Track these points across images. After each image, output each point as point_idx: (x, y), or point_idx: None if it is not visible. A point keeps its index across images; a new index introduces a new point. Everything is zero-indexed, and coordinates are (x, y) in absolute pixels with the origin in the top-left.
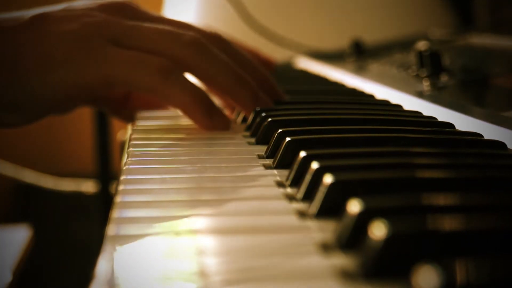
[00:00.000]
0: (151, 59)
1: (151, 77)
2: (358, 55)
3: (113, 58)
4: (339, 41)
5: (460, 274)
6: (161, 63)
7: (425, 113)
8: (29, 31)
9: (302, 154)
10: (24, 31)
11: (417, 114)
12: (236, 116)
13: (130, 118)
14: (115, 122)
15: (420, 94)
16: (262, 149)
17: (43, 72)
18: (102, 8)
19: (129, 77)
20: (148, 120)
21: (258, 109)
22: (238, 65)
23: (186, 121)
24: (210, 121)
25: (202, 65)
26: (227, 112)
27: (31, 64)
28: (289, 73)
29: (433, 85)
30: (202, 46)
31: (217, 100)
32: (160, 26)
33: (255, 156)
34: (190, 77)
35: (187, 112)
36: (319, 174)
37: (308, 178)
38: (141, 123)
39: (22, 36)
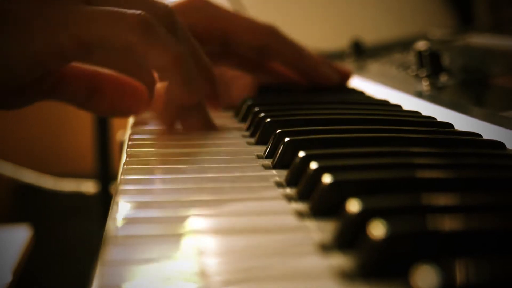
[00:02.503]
0: (129, 13)
1: (128, 32)
2: (358, 55)
3: (86, 15)
4: (339, 41)
5: (459, 274)
6: (139, 17)
7: (424, 113)
8: None
9: (301, 154)
10: None
11: (416, 114)
12: (235, 116)
13: (103, 110)
14: (115, 122)
15: (419, 94)
16: (261, 149)
17: (4, 33)
18: None
19: (104, 33)
20: (147, 120)
21: (257, 109)
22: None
23: None
24: (189, 88)
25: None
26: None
27: None
28: None
29: (433, 85)
30: (173, 21)
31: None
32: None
33: (254, 157)
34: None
35: (165, 76)
36: (318, 174)
37: (307, 178)
38: (140, 123)
39: None
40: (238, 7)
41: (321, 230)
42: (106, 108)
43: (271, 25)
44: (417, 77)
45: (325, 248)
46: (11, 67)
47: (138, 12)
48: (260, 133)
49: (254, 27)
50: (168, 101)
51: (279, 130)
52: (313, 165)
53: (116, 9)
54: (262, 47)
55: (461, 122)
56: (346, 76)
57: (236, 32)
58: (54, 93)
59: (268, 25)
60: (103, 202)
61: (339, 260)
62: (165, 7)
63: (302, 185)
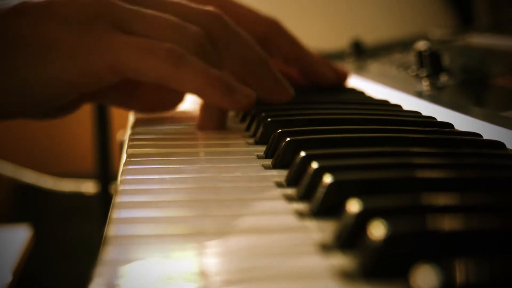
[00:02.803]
0: (160, 46)
1: (161, 64)
2: (358, 55)
3: (121, 45)
4: (339, 41)
5: (459, 274)
6: (170, 49)
7: (424, 113)
8: (29, 12)
9: (302, 154)
10: (22, 12)
11: (416, 114)
12: (235, 116)
13: (143, 107)
14: (115, 122)
15: (419, 94)
16: (261, 149)
17: (45, 58)
18: None
19: (138, 65)
20: (147, 120)
21: (257, 109)
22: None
23: (185, 121)
24: (233, 98)
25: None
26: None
27: (31, 49)
28: None
29: (433, 85)
30: (202, 45)
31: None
32: (164, 16)
33: (254, 157)
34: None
35: (205, 96)
36: (318, 174)
37: (307, 178)
38: (140, 124)
39: (20, 18)
40: None
41: (322, 230)
42: (146, 105)
43: (274, 18)
44: (417, 77)
45: (326, 248)
46: (50, 90)
47: (168, 45)
48: (260, 133)
49: (257, 17)
50: (211, 111)
51: (279, 130)
52: (314, 165)
53: (148, 41)
54: (262, 39)
55: (461, 122)
56: (343, 77)
57: (238, 22)
58: (96, 98)
59: (271, 18)
60: (103, 202)
61: (340, 260)
62: (196, 32)
63: (302, 185)
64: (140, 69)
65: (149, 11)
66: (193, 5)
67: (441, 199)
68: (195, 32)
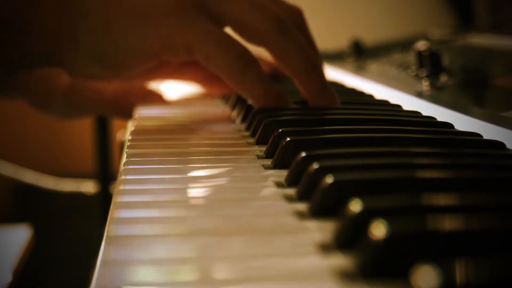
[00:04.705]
0: (236, 46)
1: (228, 63)
2: (358, 55)
3: (202, 30)
4: (339, 41)
5: (459, 274)
6: (243, 52)
7: (424, 113)
8: None
9: (302, 154)
10: None
11: (416, 114)
12: (235, 116)
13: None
14: (115, 122)
15: (419, 94)
16: (261, 149)
17: (135, 27)
18: None
19: (209, 56)
20: (147, 120)
21: (257, 109)
22: (310, 48)
23: (185, 122)
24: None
25: (279, 43)
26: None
27: (123, 17)
28: None
29: (433, 85)
30: (284, 24)
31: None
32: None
33: (254, 157)
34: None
35: (256, 100)
36: (318, 174)
37: (307, 178)
38: (140, 123)
39: None
40: None
41: (322, 230)
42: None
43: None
44: (417, 77)
45: (326, 248)
46: (135, 56)
47: (243, 48)
48: (260, 133)
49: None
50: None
51: (279, 130)
52: (314, 165)
53: (228, 37)
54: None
55: (461, 122)
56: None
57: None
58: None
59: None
60: (103, 202)
61: (340, 260)
62: (297, 9)
63: (302, 185)
64: (211, 59)
65: None
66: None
67: (441, 199)
68: (273, 12)
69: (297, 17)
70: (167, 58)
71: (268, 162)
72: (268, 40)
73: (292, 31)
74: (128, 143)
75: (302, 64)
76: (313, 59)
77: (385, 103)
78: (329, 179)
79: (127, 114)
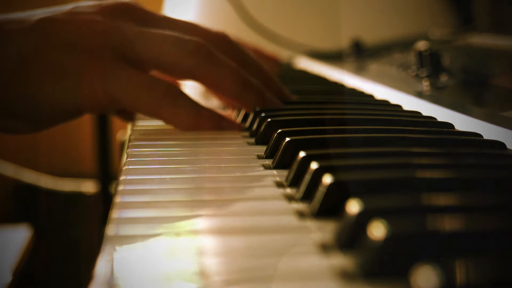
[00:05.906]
0: (160, 84)
1: (157, 102)
2: (358, 55)
3: (122, 78)
4: (339, 41)
5: (459, 274)
6: (168, 87)
7: (424, 113)
8: (36, 36)
9: (302, 154)
10: (30, 36)
11: (416, 114)
12: (236, 116)
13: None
14: (115, 122)
15: (419, 94)
16: (261, 149)
17: (54, 83)
18: (107, 11)
19: (135, 101)
20: (148, 120)
21: (257, 109)
22: (244, 67)
23: None
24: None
25: (207, 73)
26: (228, 111)
27: (40, 73)
28: (289, 73)
29: (433, 85)
30: (207, 53)
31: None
32: (166, 32)
33: (254, 157)
34: (193, 95)
35: (195, 129)
36: (318, 174)
37: (307, 178)
38: (140, 124)
39: (28, 41)
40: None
41: (322, 230)
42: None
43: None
44: (417, 77)
45: (326, 248)
46: (57, 110)
47: (165, 84)
48: (260, 133)
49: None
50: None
51: (279, 130)
52: (314, 165)
53: (146, 78)
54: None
55: (461, 122)
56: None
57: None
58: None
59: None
60: (103, 202)
61: (340, 260)
62: (220, 34)
63: (302, 185)
64: (136, 105)
65: (151, 31)
66: (202, 25)
67: (441, 199)
68: (195, 43)
69: (222, 42)
70: (92, 113)
71: (269, 162)
72: (196, 74)
73: (217, 57)
74: (129, 143)
75: (234, 86)
76: (245, 77)
77: (385, 103)
78: (329, 179)
79: (129, 117)
